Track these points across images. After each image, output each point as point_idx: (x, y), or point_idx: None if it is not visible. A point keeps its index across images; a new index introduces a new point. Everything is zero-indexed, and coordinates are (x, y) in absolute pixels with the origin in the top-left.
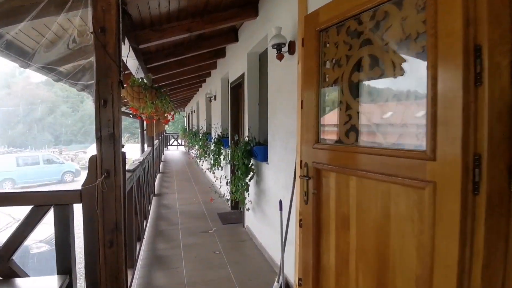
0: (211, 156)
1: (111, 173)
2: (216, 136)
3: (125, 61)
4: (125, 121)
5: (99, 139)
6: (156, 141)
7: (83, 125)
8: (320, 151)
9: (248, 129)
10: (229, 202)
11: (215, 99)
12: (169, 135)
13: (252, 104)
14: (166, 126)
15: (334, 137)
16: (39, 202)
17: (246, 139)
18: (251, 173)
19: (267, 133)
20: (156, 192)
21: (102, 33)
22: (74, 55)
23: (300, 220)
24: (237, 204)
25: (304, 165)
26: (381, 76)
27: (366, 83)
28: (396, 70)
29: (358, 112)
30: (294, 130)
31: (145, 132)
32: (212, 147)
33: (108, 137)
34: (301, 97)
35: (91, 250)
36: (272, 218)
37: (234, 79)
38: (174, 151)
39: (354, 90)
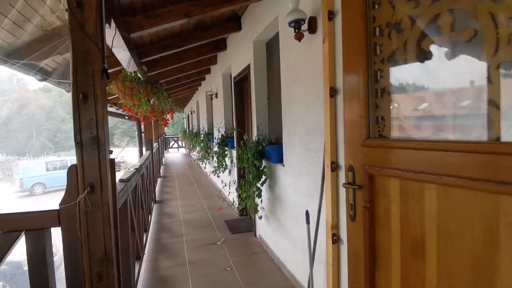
0: (215, 158)
1: (96, 187)
2: (220, 137)
3: (115, 54)
4: (125, 125)
5: (79, 144)
6: (155, 144)
7: None
8: (374, 150)
9: (257, 127)
10: (237, 207)
11: (216, 96)
12: (169, 137)
13: (260, 99)
14: (166, 128)
15: (396, 131)
16: (7, 227)
17: (256, 138)
18: (264, 177)
19: (280, 130)
20: (157, 199)
21: (78, 9)
22: (51, 44)
23: (333, 236)
24: (246, 210)
25: (348, 169)
26: (471, 38)
27: (445, 50)
28: (501, 26)
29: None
30: (320, 126)
31: (143, 135)
32: (216, 148)
33: (90, 141)
34: (330, 83)
35: (75, 285)
36: (292, 230)
37: (238, 73)
38: (175, 154)
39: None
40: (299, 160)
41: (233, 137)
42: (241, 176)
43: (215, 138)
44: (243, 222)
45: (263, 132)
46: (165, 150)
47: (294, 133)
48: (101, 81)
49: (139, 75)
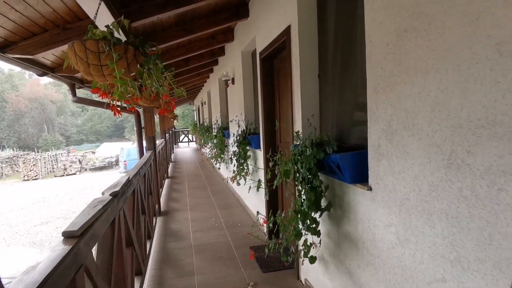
0: (234, 160)
1: None
2: (240, 133)
3: (79, 3)
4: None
5: None
6: (161, 141)
7: (93, 124)
8: None
9: (308, 120)
10: (265, 227)
11: (233, 82)
12: (179, 131)
13: (308, 77)
14: (175, 122)
15: None
16: None
17: (308, 138)
18: (324, 203)
19: (344, 126)
20: (162, 210)
21: None
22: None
23: None
24: (276, 232)
25: None
26: None
27: None
28: None
29: None
30: (488, 115)
31: (143, 131)
32: (234, 148)
33: None
34: None
35: None
36: None
37: (267, 45)
38: (185, 148)
39: None
40: (421, 186)
41: (258, 133)
42: (272, 194)
43: (233, 135)
44: (276, 252)
45: (315, 128)
46: (175, 144)
47: (409, 131)
48: None
49: (114, 32)
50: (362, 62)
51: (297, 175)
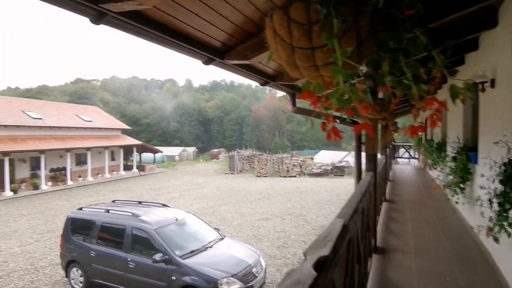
0: (495, 202)
1: None
2: (508, 161)
3: None
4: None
5: None
6: (381, 157)
7: (314, 132)
8: None
9: None
10: None
11: (492, 85)
12: (398, 144)
13: None
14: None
15: None
16: None
17: None
18: None
19: None
20: (378, 245)
21: None
22: None
23: None
24: None
25: None
26: None
27: None
28: None
29: None
30: None
31: (362, 147)
32: (496, 184)
33: None
34: None
35: None
36: None
37: None
38: (405, 166)
39: None
40: None
41: None
42: None
43: (493, 163)
44: None
45: None
46: (393, 159)
47: None
48: None
49: None
50: None
51: None
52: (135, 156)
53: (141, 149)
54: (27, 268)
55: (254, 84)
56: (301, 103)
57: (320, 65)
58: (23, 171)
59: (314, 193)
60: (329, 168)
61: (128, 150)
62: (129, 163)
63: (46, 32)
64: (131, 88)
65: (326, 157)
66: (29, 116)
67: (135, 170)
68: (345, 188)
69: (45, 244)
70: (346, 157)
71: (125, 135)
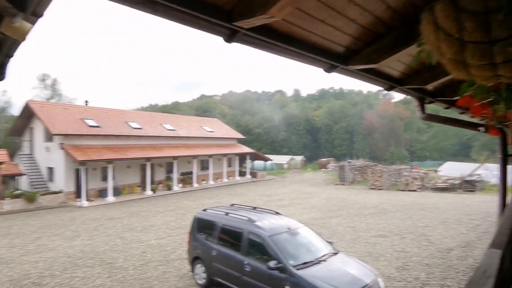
0: None
1: None
2: None
3: None
4: (485, 136)
5: None
6: None
7: (437, 140)
8: None
9: None
10: None
11: None
12: None
13: None
14: None
15: None
16: None
17: None
18: None
19: None
20: None
21: None
22: None
23: None
24: None
25: None
26: None
27: None
28: None
29: None
30: None
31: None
32: None
33: None
34: None
35: None
36: None
37: None
38: None
39: None
40: None
41: None
42: None
43: None
44: None
45: None
46: None
47: None
48: None
49: None
50: None
51: None
52: (248, 163)
53: (254, 157)
54: (160, 260)
55: (366, 89)
56: (429, 108)
57: (500, 62)
58: (160, 174)
59: (439, 211)
60: (457, 182)
61: (242, 158)
62: (242, 170)
63: (174, 50)
64: (245, 101)
65: (453, 169)
66: (165, 128)
67: (248, 176)
68: (477, 207)
69: (175, 239)
70: (477, 169)
71: (240, 143)
